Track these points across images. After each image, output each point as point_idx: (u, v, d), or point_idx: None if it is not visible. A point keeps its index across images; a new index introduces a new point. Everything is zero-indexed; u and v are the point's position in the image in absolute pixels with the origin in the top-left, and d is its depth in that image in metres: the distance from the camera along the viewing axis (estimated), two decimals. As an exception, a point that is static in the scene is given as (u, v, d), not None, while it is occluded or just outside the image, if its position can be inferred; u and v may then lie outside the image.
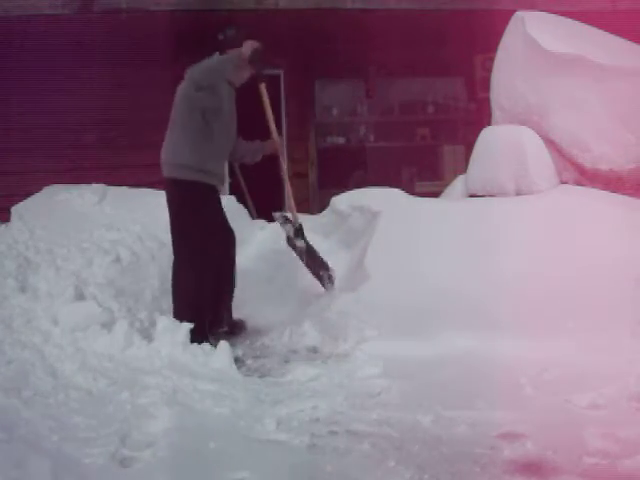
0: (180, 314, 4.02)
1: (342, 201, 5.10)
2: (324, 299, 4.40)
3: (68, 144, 7.05)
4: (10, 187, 6.54)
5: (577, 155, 4.51)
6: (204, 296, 4.17)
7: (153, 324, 3.95)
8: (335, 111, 8.28)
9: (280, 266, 5.06)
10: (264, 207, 5.41)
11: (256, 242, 5.32)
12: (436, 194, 5.38)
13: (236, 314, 4.60)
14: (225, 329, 4.39)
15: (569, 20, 5.02)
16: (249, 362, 3.96)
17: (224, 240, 4.33)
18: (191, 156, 4.11)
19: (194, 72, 4.07)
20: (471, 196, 4.72)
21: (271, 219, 5.57)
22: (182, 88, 4.18)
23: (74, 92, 6.95)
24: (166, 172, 4.22)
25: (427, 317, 3.82)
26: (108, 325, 3.79)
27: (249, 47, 4.03)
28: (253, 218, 4.99)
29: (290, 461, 2.62)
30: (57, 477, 2.31)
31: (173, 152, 4.18)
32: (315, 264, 4.49)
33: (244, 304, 4.71)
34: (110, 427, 2.80)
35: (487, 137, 4.72)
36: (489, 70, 5.14)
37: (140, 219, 5.13)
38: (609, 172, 4.47)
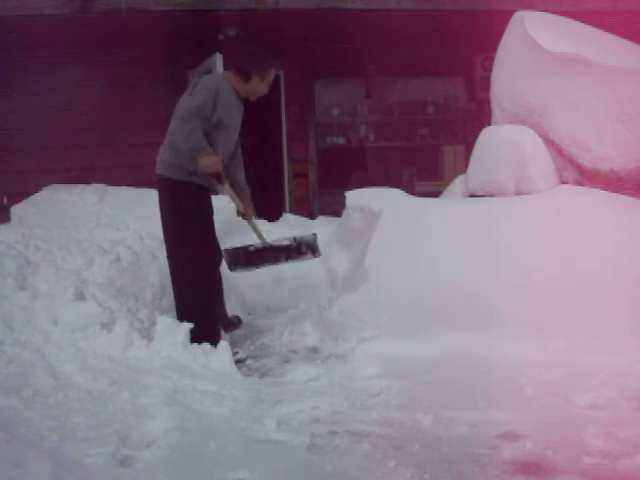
0: (187, 317, 3.93)
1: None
2: (324, 299, 4.40)
3: (68, 144, 7.05)
4: (10, 187, 6.54)
5: (577, 155, 4.51)
6: (211, 297, 4.17)
7: (153, 324, 3.94)
8: (335, 111, 8.28)
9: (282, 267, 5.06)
10: (265, 207, 5.39)
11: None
12: (436, 194, 5.37)
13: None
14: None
15: (569, 20, 5.02)
16: (249, 362, 3.97)
17: (215, 240, 4.25)
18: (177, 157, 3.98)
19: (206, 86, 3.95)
20: (471, 196, 4.71)
21: (271, 219, 5.58)
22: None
23: (74, 92, 6.95)
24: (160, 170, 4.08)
25: (427, 317, 3.82)
26: (108, 325, 3.78)
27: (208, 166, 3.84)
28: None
29: (290, 461, 2.61)
30: (57, 477, 2.31)
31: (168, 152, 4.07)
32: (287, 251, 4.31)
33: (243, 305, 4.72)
34: (110, 427, 2.79)
35: (487, 137, 4.71)
36: (489, 70, 5.13)
37: (140, 218, 5.13)
38: (609, 172, 4.46)
